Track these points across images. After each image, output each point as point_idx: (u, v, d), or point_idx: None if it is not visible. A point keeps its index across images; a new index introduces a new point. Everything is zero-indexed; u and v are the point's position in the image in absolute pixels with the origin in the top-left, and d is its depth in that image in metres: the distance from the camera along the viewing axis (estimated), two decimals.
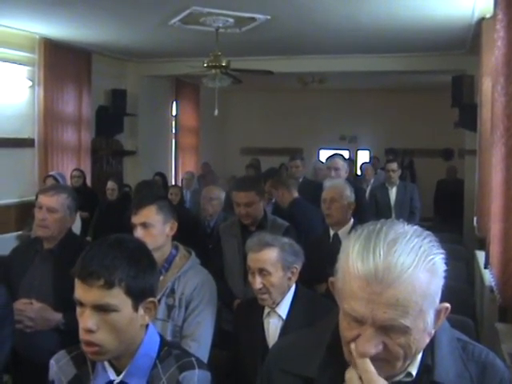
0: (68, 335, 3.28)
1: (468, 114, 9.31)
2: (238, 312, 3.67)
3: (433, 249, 1.44)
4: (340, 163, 6.60)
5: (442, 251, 1.46)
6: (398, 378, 1.53)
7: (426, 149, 15.32)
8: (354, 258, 1.43)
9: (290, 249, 3.30)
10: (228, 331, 3.77)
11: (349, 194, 4.79)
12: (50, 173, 8.82)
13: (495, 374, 1.58)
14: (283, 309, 3.28)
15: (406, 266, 1.38)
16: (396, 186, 8.36)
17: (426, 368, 1.54)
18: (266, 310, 3.32)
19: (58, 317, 3.43)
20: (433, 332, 1.50)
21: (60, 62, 9.50)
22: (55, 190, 3.73)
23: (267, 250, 3.23)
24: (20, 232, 8.11)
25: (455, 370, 1.54)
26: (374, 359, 1.43)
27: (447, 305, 1.50)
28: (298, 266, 3.32)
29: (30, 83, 9.09)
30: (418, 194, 8.42)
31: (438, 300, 1.47)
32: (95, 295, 1.83)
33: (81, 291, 1.85)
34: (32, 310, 3.35)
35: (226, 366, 3.33)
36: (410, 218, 7.54)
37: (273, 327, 3.28)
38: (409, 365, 1.52)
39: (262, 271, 3.22)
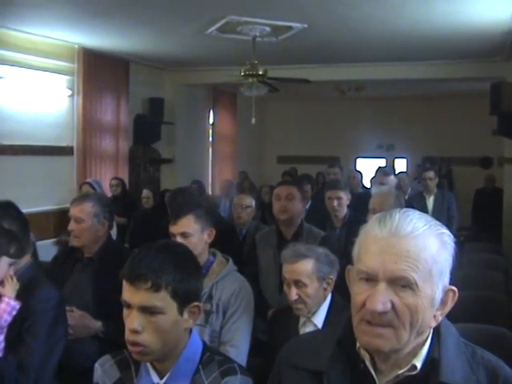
0: (107, 343, 3.33)
1: (507, 122, 9.21)
2: (273, 320, 3.66)
3: (443, 227, 1.56)
4: (392, 180, 6.78)
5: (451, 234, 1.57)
6: (402, 371, 1.55)
7: (464, 157, 15.13)
8: (372, 224, 1.56)
9: (325, 259, 3.28)
10: (261, 340, 3.77)
11: (392, 203, 4.59)
12: (87, 180, 8.93)
13: (506, 381, 1.57)
14: (319, 318, 3.26)
15: (418, 226, 1.50)
16: (433, 195, 8.28)
17: (432, 362, 1.55)
18: (302, 320, 3.31)
19: (97, 325, 3.49)
20: (440, 317, 1.55)
21: (98, 71, 9.61)
22: (80, 200, 3.79)
23: (302, 262, 3.22)
24: (56, 238, 8.21)
25: (462, 372, 1.54)
26: (381, 324, 1.48)
27: (454, 288, 1.56)
28: (333, 277, 3.29)
29: (69, 92, 9.21)
30: (455, 203, 8.33)
31: (446, 279, 1.54)
32: (142, 297, 1.86)
33: (128, 293, 1.89)
34: (72, 318, 3.39)
35: (261, 373, 3.32)
36: (447, 227, 7.48)
37: None
38: (414, 356, 1.55)
39: (298, 283, 3.21)
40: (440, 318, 1.55)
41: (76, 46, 9.17)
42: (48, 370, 2.92)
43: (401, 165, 15.84)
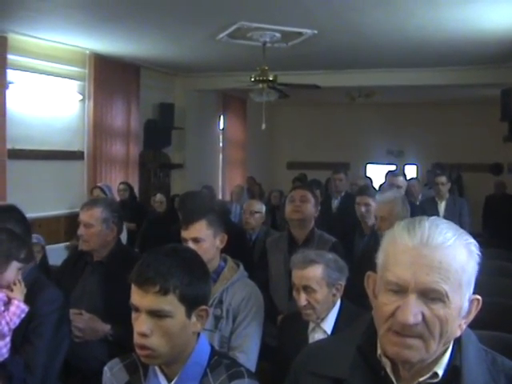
0: (116, 346, 3.33)
1: None
2: (283, 326, 3.65)
3: (469, 236, 1.53)
4: (402, 181, 6.72)
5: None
6: (423, 378, 1.54)
7: (474, 163, 15.05)
8: (400, 232, 1.52)
9: (334, 265, 3.27)
10: (270, 345, 3.75)
11: (400, 210, 4.57)
12: (98, 184, 8.96)
13: None
14: (328, 324, 3.25)
15: (449, 236, 1.48)
16: (445, 200, 8.26)
17: (454, 370, 1.54)
18: (311, 325, 3.30)
19: (106, 328, 3.48)
20: (464, 326, 1.54)
21: (109, 77, 9.66)
22: (90, 205, 3.80)
23: (312, 268, 3.21)
24: (68, 243, 8.24)
25: (483, 380, 1.53)
26: (411, 335, 1.46)
27: (479, 297, 1.55)
28: (342, 282, 3.29)
29: (80, 97, 9.26)
30: (467, 209, 8.30)
31: (472, 289, 1.53)
32: (150, 301, 1.87)
33: (137, 297, 1.90)
34: (81, 321, 3.41)
35: (270, 378, 3.32)
36: None
37: None
38: (435, 363, 1.54)
39: (307, 288, 3.20)
40: (464, 327, 1.54)
41: (87, 52, 9.23)
42: (54, 369, 2.96)
43: (411, 171, 15.76)
